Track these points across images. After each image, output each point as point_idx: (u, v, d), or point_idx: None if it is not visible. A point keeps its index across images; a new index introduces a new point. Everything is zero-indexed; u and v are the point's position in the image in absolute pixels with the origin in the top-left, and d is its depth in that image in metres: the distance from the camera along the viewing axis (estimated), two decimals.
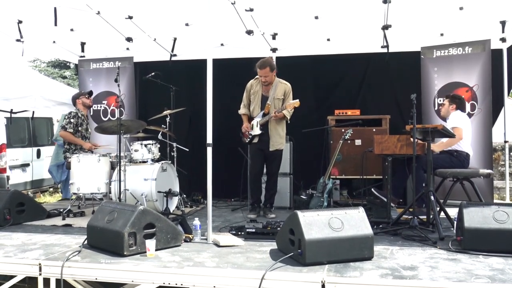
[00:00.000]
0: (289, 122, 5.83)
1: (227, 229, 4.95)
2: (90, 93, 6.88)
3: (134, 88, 7.68)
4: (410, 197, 5.65)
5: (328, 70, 7.32)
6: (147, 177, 5.69)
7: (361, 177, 5.98)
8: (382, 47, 6.70)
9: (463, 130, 5.46)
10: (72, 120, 6.42)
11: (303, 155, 6.96)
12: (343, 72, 7.29)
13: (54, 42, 7.39)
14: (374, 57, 7.05)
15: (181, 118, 7.61)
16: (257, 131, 5.78)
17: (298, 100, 5.61)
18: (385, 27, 6.19)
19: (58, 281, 3.72)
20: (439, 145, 5.60)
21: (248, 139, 5.88)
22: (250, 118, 5.93)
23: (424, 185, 4.96)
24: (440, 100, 6.57)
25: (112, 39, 7.11)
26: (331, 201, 6.01)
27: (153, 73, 6.69)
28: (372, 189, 5.70)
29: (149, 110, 7.70)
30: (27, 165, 9.03)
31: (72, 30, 6.93)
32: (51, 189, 9.90)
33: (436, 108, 6.63)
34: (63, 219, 5.67)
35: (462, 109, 5.72)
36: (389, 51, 6.76)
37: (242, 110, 6.04)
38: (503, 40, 6.42)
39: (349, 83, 7.26)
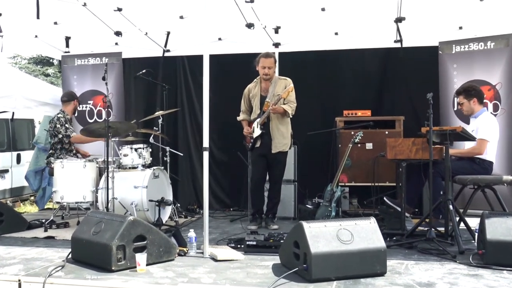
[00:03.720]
0: (291, 116, 5.83)
1: (226, 241, 4.94)
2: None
3: (123, 86, 7.69)
4: (427, 207, 5.63)
5: (336, 67, 7.31)
6: (137, 184, 5.69)
7: (373, 184, 5.97)
8: (395, 41, 6.71)
9: (488, 144, 5.42)
10: (67, 126, 6.52)
11: (309, 160, 6.95)
12: (353, 69, 7.28)
13: (36, 36, 7.41)
14: (387, 52, 7.06)
15: (175, 119, 7.63)
16: (257, 132, 5.79)
17: (291, 86, 5.64)
18: (399, 20, 6.19)
19: None
20: (457, 152, 5.58)
21: (251, 144, 5.89)
22: (251, 124, 5.94)
23: (442, 193, 4.94)
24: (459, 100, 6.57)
25: (100, 33, 7.12)
26: (340, 210, 5.99)
27: (144, 70, 6.70)
28: (385, 198, 5.68)
29: (139, 111, 7.71)
30: (6, 171, 9.04)
31: (55, 23, 6.94)
32: (32, 198, 9.90)
33: (455, 109, 6.63)
34: (45, 230, 5.67)
35: (481, 99, 5.67)
36: (403, 46, 6.77)
37: (240, 116, 6.07)
38: None
39: (359, 81, 7.25)
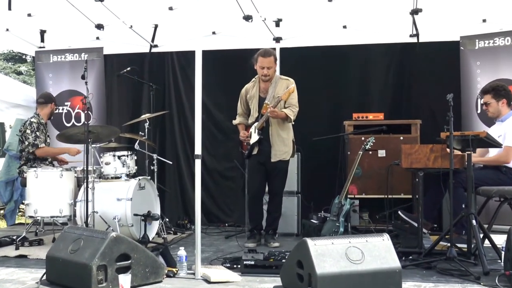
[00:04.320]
0: (293, 122, 5.83)
1: (220, 261, 4.92)
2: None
3: (104, 86, 7.69)
4: (447, 222, 5.62)
5: (344, 65, 7.33)
6: (120, 196, 5.68)
7: (386, 196, 5.94)
8: (411, 36, 6.73)
9: None
10: (38, 134, 6.46)
11: (314, 169, 6.94)
12: (363, 67, 7.30)
13: (7, 30, 7.41)
14: (402, 48, 7.08)
15: (163, 123, 7.63)
16: (255, 137, 5.78)
17: (292, 86, 5.63)
18: (415, 12, 6.20)
19: None
20: (481, 160, 5.58)
21: (247, 151, 5.88)
22: (249, 128, 5.94)
23: (464, 206, 4.94)
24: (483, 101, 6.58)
25: (79, 26, 7.13)
26: (349, 226, 5.98)
27: (128, 68, 6.70)
28: (400, 212, 5.66)
29: (123, 113, 7.71)
30: None
31: (29, 15, 6.95)
32: (2, 211, 9.87)
33: (478, 111, 6.64)
34: (17, 248, 5.65)
35: (510, 101, 5.65)
36: (420, 41, 6.79)
37: (237, 120, 6.07)
38: None
39: (370, 80, 7.27)
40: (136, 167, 6.19)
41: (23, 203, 6.92)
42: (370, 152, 6.38)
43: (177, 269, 4.49)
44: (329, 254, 3.71)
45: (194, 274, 4.41)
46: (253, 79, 5.96)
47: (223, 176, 7.49)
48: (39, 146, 6.43)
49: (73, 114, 7.71)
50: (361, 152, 6.10)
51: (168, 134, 7.69)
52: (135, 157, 6.21)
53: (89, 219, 5.39)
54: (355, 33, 7.00)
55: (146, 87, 7.23)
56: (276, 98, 5.68)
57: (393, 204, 6.01)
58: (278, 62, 5.96)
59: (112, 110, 7.84)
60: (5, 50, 20.79)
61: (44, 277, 4.30)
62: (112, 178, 5.98)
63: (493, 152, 5.55)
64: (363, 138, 6.36)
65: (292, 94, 5.65)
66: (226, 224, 7.24)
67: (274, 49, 6.66)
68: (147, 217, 5.70)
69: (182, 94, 7.63)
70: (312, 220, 6.24)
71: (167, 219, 6.66)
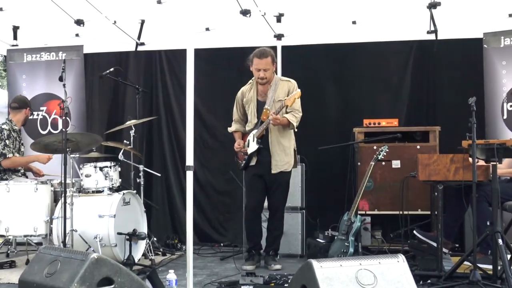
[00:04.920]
0: (296, 130, 5.83)
1: (215, 285, 4.91)
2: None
3: (84, 89, 7.70)
4: (470, 241, 5.61)
5: (354, 65, 7.35)
6: (102, 213, 5.66)
7: (401, 212, 5.94)
8: (428, 32, 6.73)
9: None
10: (7, 142, 6.41)
11: (320, 182, 6.93)
12: (375, 67, 7.31)
13: None
14: (418, 46, 7.10)
15: (150, 130, 7.63)
16: (254, 146, 5.77)
17: (299, 91, 5.63)
18: (433, 5, 6.21)
19: None
20: (507, 172, 5.58)
21: (244, 162, 5.86)
22: (246, 136, 5.94)
23: (488, 223, 4.93)
24: (510, 106, 6.59)
25: (56, 22, 7.12)
26: (360, 246, 5.97)
27: (111, 69, 6.70)
28: (415, 231, 5.66)
29: (105, 119, 7.72)
30: None
31: (1, 9, 6.95)
32: None
33: (505, 117, 6.65)
34: None
35: None
36: (438, 38, 6.79)
37: (232, 127, 6.06)
38: None
39: (383, 82, 7.28)
40: (120, 180, 6.18)
41: None
42: (383, 163, 6.39)
43: None
44: (337, 277, 3.69)
45: None
46: (250, 81, 5.95)
47: (218, 190, 7.49)
48: (7, 156, 6.38)
49: (49, 120, 7.70)
50: (373, 163, 6.10)
51: (156, 143, 7.69)
52: (119, 169, 6.19)
53: (67, 238, 5.36)
54: (365, 29, 7.02)
55: (132, 90, 7.22)
56: (278, 102, 5.66)
57: (409, 221, 5.99)
58: (279, 62, 5.96)
59: (93, 116, 7.84)
60: None
61: None
62: (93, 192, 5.96)
63: None
64: (375, 147, 6.37)
65: (297, 99, 5.65)
66: (221, 244, 7.23)
67: (275, 47, 6.67)
68: (133, 236, 5.68)
69: (171, 98, 7.63)
70: (318, 240, 6.22)
71: (155, 239, 6.65)
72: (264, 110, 5.71)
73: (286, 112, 5.72)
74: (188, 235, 4.45)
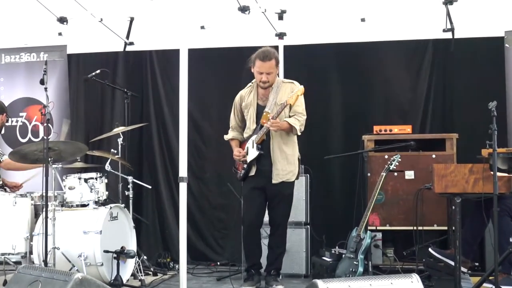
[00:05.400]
0: (299, 134, 5.80)
1: None
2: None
3: (68, 93, 7.71)
4: (491, 259, 5.60)
5: (363, 66, 7.35)
6: (88, 229, 5.65)
7: (415, 228, 5.94)
8: (444, 30, 6.73)
9: None
10: None
11: (326, 194, 6.93)
12: (386, 68, 7.32)
13: None
14: (433, 46, 7.11)
15: (140, 138, 7.62)
16: (253, 153, 5.73)
17: (301, 87, 5.60)
18: (449, 2, 6.22)
19: None
20: None
21: (243, 172, 5.84)
22: (244, 144, 5.91)
23: (511, 240, 4.92)
24: None
25: (37, 19, 7.13)
26: (370, 265, 5.96)
27: (98, 71, 6.70)
28: (430, 249, 5.65)
29: (91, 126, 7.72)
30: None
31: None
32: None
33: None
34: None
35: None
36: (455, 36, 6.79)
37: (229, 135, 6.02)
38: None
39: (394, 85, 7.28)
40: (106, 193, 6.17)
41: None
42: (395, 174, 6.37)
43: None
44: None
45: None
46: (249, 84, 5.93)
47: (213, 203, 7.48)
48: (1, 160, 6.43)
49: (29, 128, 7.70)
50: (384, 174, 6.08)
51: (146, 152, 7.69)
52: (106, 181, 6.18)
53: (48, 257, 5.33)
54: (376, 27, 7.02)
55: (120, 94, 7.23)
56: (279, 105, 5.62)
57: (424, 238, 6.00)
58: (280, 63, 5.95)
59: (78, 123, 7.85)
60: None
61: None
62: (77, 206, 5.96)
63: None
64: (386, 156, 6.34)
65: (299, 99, 5.62)
66: (218, 263, 7.22)
67: (276, 47, 6.67)
68: (121, 254, 5.66)
69: (163, 103, 7.64)
70: (324, 258, 6.22)
71: (145, 257, 6.63)
72: (264, 113, 5.66)
73: (289, 116, 5.69)
74: (181, 253, 4.45)
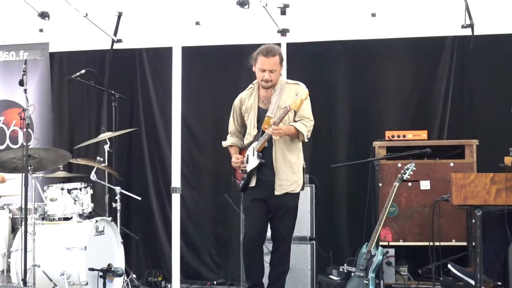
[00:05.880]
0: (306, 140, 5.77)
1: None
2: None
3: (50, 95, 7.71)
4: None
5: (374, 65, 7.36)
6: (71, 244, 5.64)
7: (431, 244, 5.93)
8: (463, 26, 6.73)
9: None
10: None
11: (333, 206, 6.92)
12: (399, 68, 7.31)
13: None
14: (451, 43, 7.10)
15: (129, 144, 7.62)
16: (254, 162, 5.69)
17: (306, 90, 5.57)
18: None
19: None
20: None
21: (243, 182, 5.81)
22: (244, 151, 5.89)
23: None
24: None
25: (16, 14, 7.13)
26: (382, 284, 5.95)
27: (82, 71, 6.70)
28: (450, 265, 5.64)
29: (76, 132, 7.71)
30: None
31: None
32: None
33: None
34: None
35: None
36: (475, 33, 6.79)
37: (227, 141, 5.99)
38: None
39: (408, 86, 7.27)
40: (92, 205, 6.18)
41: None
42: (410, 184, 6.38)
43: None
44: None
45: None
46: (250, 85, 5.91)
47: (210, 217, 7.47)
48: None
49: (7, 133, 7.70)
50: (397, 184, 6.08)
51: (135, 160, 7.69)
52: (91, 191, 6.19)
53: (28, 275, 5.32)
54: (387, 23, 7.03)
55: (107, 97, 7.23)
56: (282, 109, 5.59)
57: (441, 255, 5.98)
58: (284, 63, 5.90)
59: (61, 128, 7.84)
60: None
61: None
62: (59, 219, 5.96)
63: None
64: (399, 165, 6.36)
65: (304, 102, 5.58)
66: (214, 282, 7.22)
67: (279, 44, 6.65)
68: (107, 273, 5.66)
69: (154, 106, 7.64)
70: (332, 276, 6.21)
71: (134, 275, 6.62)
72: (266, 118, 5.61)
73: (294, 121, 5.65)
74: (174, 272, 4.44)
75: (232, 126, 5.98)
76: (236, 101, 5.93)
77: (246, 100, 5.86)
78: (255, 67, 5.68)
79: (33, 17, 7.11)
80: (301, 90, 5.63)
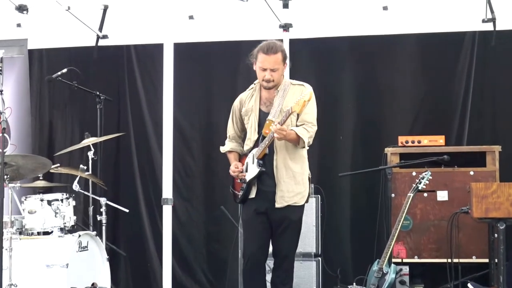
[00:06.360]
0: (307, 147, 5.73)
1: None
2: None
3: (29, 96, 7.71)
4: None
5: (385, 64, 7.36)
6: (51, 262, 5.62)
7: (449, 261, 5.93)
8: (484, 21, 6.72)
9: None
10: None
11: (341, 219, 6.91)
12: (413, 66, 7.31)
13: None
14: (470, 39, 7.10)
15: (117, 151, 7.61)
16: (254, 170, 5.66)
17: (310, 91, 5.54)
18: None
19: None
20: None
21: (242, 192, 5.79)
22: (244, 158, 5.87)
23: None
24: None
25: None
26: None
27: (64, 70, 6.70)
28: (470, 285, 5.62)
29: (57, 137, 7.70)
30: None
31: None
32: None
33: None
34: None
35: None
36: (497, 28, 6.78)
37: (226, 146, 5.95)
38: None
39: (423, 86, 7.27)
40: (75, 218, 6.15)
41: None
42: (425, 194, 6.37)
43: None
44: None
45: None
46: (251, 85, 5.89)
47: (204, 231, 7.47)
48: None
49: None
50: (412, 195, 6.06)
51: (123, 168, 7.69)
52: (74, 203, 6.16)
53: None
54: (401, 17, 7.03)
55: (91, 98, 7.20)
56: (285, 112, 5.56)
57: (460, 273, 5.98)
58: (288, 61, 5.88)
59: (41, 133, 7.84)
60: None
61: None
62: (38, 234, 5.93)
63: None
64: (414, 174, 6.35)
65: (308, 104, 5.55)
66: None
67: (281, 40, 6.64)
68: None
69: (144, 108, 7.62)
70: None
71: None
72: (267, 122, 5.58)
73: (297, 125, 5.63)
74: None
75: (231, 130, 5.93)
76: (236, 103, 5.88)
77: (247, 102, 5.82)
78: (256, 65, 5.66)
79: (10, 11, 7.10)
80: (306, 91, 5.59)
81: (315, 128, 5.55)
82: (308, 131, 5.49)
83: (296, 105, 5.25)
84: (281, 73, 5.63)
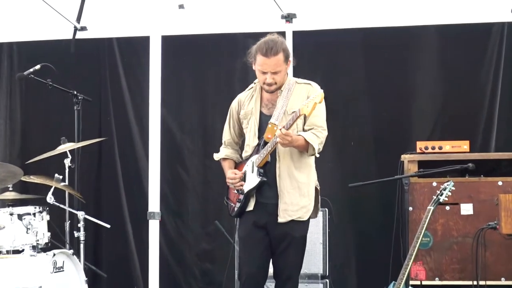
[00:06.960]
0: (317, 155, 5.70)
1: None
2: None
3: None
4: None
5: (402, 59, 7.38)
6: (23, 284, 5.61)
7: (475, 283, 5.93)
8: None
9: None
10: None
11: (351, 236, 6.92)
12: (432, 62, 7.32)
13: None
14: (498, 32, 7.12)
15: (99, 158, 7.60)
16: (253, 180, 5.64)
17: (321, 91, 5.50)
18: None
19: None
20: None
21: (238, 204, 5.77)
22: (241, 166, 5.84)
23: None
24: None
25: None
26: None
27: (37, 66, 6.68)
28: None
29: (29, 143, 7.69)
30: None
31: None
32: None
33: None
34: None
35: None
36: None
37: (221, 153, 5.92)
38: None
39: (445, 84, 7.28)
40: (49, 234, 6.15)
41: None
42: (447, 208, 6.39)
43: None
44: None
45: None
46: (251, 85, 5.86)
47: (196, 249, 7.46)
48: None
49: None
50: (432, 208, 6.03)
51: (105, 178, 7.69)
52: (48, 217, 6.16)
53: None
54: (419, 7, 6.99)
55: (68, 98, 7.18)
56: (290, 115, 5.51)
57: None
58: (291, 58, 5.84)
59: (12, 138, 7.87)
60: None
61: None
62: (7, 252, 5.93)
63: None
64: (435, 184, 6.36)
65: (318, 107, 5.51)
66: None
67: (283, 33, 6.61)
68: None
69: (128, 110, 7.63)
70: None
71: None
72: (269, 126, 5.55)
73: (304, 130, 5.59)
74: None
75: (227, 135, 5.89)
76: (234, 104, 5.83)
77: (246, 104, 5.76)
78: (255, 66, 5.62)
79: None
80: (314, 91, 5.51)
81: (326, 133, 5.45)
82: (318, 137, 5.38)
83: (305, 107, 5.13)
84: (284, 73, 5.53)
